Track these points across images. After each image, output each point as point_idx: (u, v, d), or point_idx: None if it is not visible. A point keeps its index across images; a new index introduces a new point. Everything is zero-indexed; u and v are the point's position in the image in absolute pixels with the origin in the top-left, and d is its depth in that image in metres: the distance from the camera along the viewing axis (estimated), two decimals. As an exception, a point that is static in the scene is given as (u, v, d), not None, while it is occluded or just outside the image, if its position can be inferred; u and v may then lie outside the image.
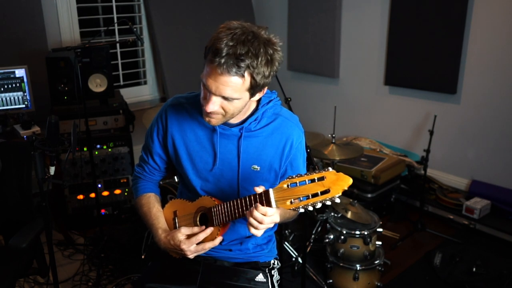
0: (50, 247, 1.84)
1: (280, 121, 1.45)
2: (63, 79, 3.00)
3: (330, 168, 1.20)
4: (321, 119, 4.20)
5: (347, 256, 2.48)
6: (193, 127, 1.47)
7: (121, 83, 3.91)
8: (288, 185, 1.22)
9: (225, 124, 1.42)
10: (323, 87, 4.25)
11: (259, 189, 1.27)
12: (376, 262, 2.47)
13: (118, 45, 3.76)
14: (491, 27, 3.10)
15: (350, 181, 1.17)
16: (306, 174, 1.21)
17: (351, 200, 2.65)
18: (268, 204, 1.25)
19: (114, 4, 3.69)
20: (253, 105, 1.44)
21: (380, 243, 2.55)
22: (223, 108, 1.31)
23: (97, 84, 3.08)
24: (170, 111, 1.49)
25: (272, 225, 1.31)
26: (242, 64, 1.21)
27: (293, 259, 2.68)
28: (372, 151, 3.75)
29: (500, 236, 2.99)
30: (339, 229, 2.46)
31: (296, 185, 1.21)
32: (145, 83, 4.11)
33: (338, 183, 1.17)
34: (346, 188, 1.17)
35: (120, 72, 3.88)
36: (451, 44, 3.24)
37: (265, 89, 1.37)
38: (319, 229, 2.89)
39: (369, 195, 3.29)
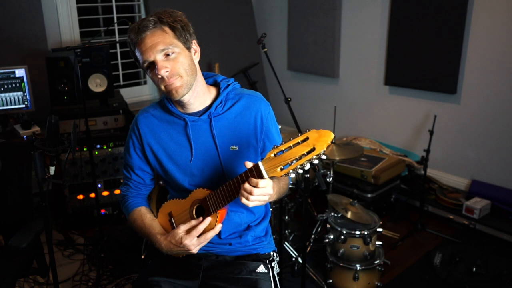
0: (50, 247, 1.84)
1: (245, 99, 1.53)
2: (63, 79, 3.00)
3: (310, 129, 1.24)
4: (321, 119, 4.21)
5: (347, 256, 2.48)
6: (165, 129, 1.54)
7: (121, 83, 3.91)
8: (275, 154, 1.27)
9: (193, 114, 1.50)
10: (323, 87, 4.25)
11: (249, 164, 1.32)
12: (376, 262, 2.47)
13: (118, 45, 3.76)
14: (491, 27, 3.10)
15: (332, 134, 1.21)
16: (290, 140, 1.25)
17: (351, 200, 2.65)
18: (260, 176, 1.29)
19: (114, 4, 3.69)
20: (213, 91, 1.54)
21: (380, 243, 2.55)
22: (173, 68, 1.38)
23: (97, 84, 3.08)
24: (140, 122, 1.57)
25: (266, 198, 1.34)
26: (151, 18, 1.37)
27: (293, 259, 2.68)
28: (372, 151, 3.75)
29: (500, 236, 2.99)
30: (339, 229, 2.46)
31: (283, 152, 1.25)
32: (145, 83, 4.11)
33: (321, 139, 1.20)
34: (329, 143, 1.21)
35: (120, 72, 3.88)
36: (451, 44, 3.24)
37: (199, 50, 1.47)
38: (319, 229, 2.89)
39: (369, 195, 3.29)
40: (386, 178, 3.35)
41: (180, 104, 1.50)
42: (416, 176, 3.56)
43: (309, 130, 1.23)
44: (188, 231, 1.44)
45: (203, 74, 1.59)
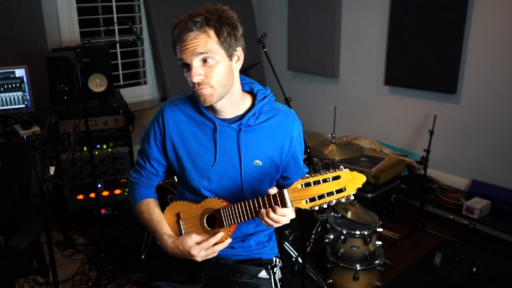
0: (50, 247, 1.84)
1: (280, 117, 1.48)
2: (63, 79, 3.00)
3: (342, 167, 1.24)
4: (321, 119, 4.20)
5: (347, 256, 2.48)
6: (191, 128, 1.49)
7: (121, 83, 3.91)
8: (302, 185, 1.25)
9: (224, 120, 1.45)
10: (323, 87, 4.25)
11: (273, 190, 1.30)
12: (376, 262, 2.47)
13: (118, 45, 3.76)
14: (491, 27, 3.10)
15: (364, 178, 1.22)
16: (320, 173, 1.24)
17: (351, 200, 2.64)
18: (283, 205, 1.29)
19: (114, 4, 3.69)
20: (248, 100, 1.48)
21: (380, 243, 2.55)
22: (206, 76, 1.33)
23: (97, 84, 3.08)
24: (166, 115, 1.50)
25: (288, 221, 1.36)
26: (198, 19, 1.29)
27: (293, 259, 2.67)
28: (372, 151, 3.75)
29: (500, 236, 2.99)
30: (339, 229, 2.46)
31: (311, 185, 1.24)
32: (145, 83, 4.11)
33: (353, 181, 1.22)
34: (360, 186, 1.21)
35: (120, 72, 3.88)
36: (451, 44, 3.24)
37: (242, 57, 1.40)
38: (319, 229, 2.89)
39: (369, 195, 3.29)
40: (386, 178, 3.35)
41: (211, 108, 1.44)
42: (416, 176, 3.55)
43: (340, 169, 1.23)
44: (198, 242, 1.43)
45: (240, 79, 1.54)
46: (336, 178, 1.22)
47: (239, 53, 1.39)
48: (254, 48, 4.41)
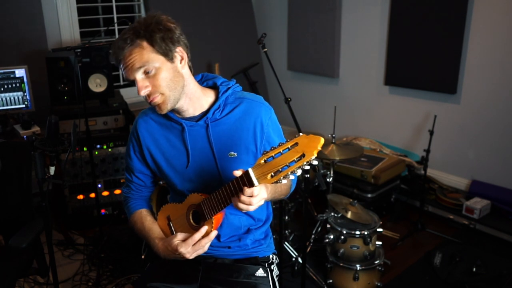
0: (50, 247, 1.84)
1: (245, 104, 1.48)
2: (63, 79, 3.00)
3: (301, 133, 1.20)
4: (321, 119, 4.21)
5: (347, 256, 2.48)
6: (163, 133, 1.51)
7: (121, 83, 3.91)
8: (265, 160, 1.22)
9: (191, 119, 1.47)
10: (323, 87, 4.25)
11: (238, 172, 1.28)
12: (376, 262, 2.47)
13: (118, 45, 3.76)
14: (491, 27, 3.10)
15: (321, 140, 1.16)
16: (279, 145, 1.21)
17: (351, 200, 2.65)
18: (251, 184, 1.26)
19: (114, 4, 3.69)
20: (211, 95, 1.48)
21: (380, 243, 2.55)
22: (153, 86, 1.34)
23: (97, 84, 3.08)
24: (139, 125, 1.54)
25: (262, 202, 1.33)
26: (127, 35, 1.32)
27: (293, 259, 2.68)
28: (372, 151, 3.75)
29: (500, 236, 2.98)
30: (339, 229, 2.46)
31: (273, 158, 1.21)
32: (145, 83, 4.11)
33: (310, 145, 1.16)
34: (319, 148, 1.16)
35: (120, 72, 3.86)
36: (451, 44, 3.24)
37: (186, 55, 1.40)
38: (319, 229, 2.89)
39: (369, 195, 3.29)
40: (386, 178, 3.35)
41: (175, 110, 1.46)
42: (416, 176, 3.55)
43: (298, 135, 1.19)
44: (184, 239, 1.43)
45: (203, 76, 1.55)
46: (294, 145, 1.18)
47: (181, 52, 1.39)
48: (254, 48, 4.41)
